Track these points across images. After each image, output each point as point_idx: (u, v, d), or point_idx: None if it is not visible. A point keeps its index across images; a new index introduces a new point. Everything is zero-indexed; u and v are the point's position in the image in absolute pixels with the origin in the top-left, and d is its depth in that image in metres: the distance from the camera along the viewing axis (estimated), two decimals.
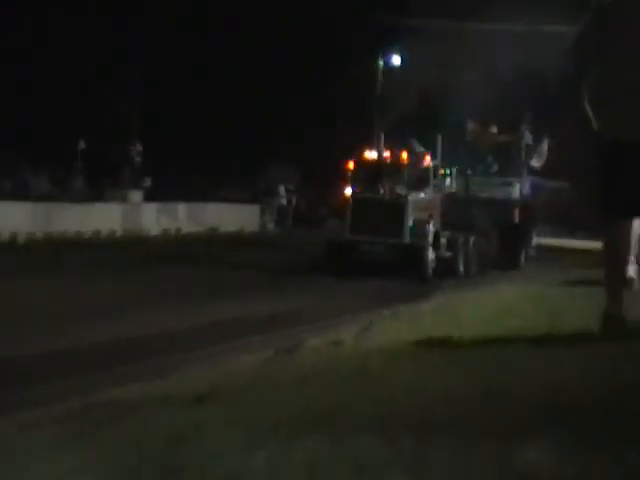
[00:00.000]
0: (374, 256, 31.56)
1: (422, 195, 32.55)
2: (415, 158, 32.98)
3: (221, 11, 62.10)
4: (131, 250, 43.12)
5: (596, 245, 43.55)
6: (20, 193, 47.30)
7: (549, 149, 42.10)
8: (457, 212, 34.43)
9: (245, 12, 61.21)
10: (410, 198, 31.45)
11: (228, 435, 9.35)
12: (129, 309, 25.30)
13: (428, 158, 32.89)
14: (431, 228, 31.35)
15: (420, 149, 35.06)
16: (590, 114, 11.54)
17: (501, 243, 36.80)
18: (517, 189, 40.28)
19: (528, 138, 41.16)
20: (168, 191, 51.30)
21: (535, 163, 41.15)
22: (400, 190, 31.92)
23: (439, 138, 34.97)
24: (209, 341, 20.85)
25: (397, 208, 31.02)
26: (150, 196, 52.12)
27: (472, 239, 34.79)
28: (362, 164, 33.33)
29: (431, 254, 30.96)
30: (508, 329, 19.51)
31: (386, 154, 33.37)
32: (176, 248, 44.16)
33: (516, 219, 38.66)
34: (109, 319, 23.42)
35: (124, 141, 55.27)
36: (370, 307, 24.88)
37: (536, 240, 43.44)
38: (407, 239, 30.85)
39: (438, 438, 8.58)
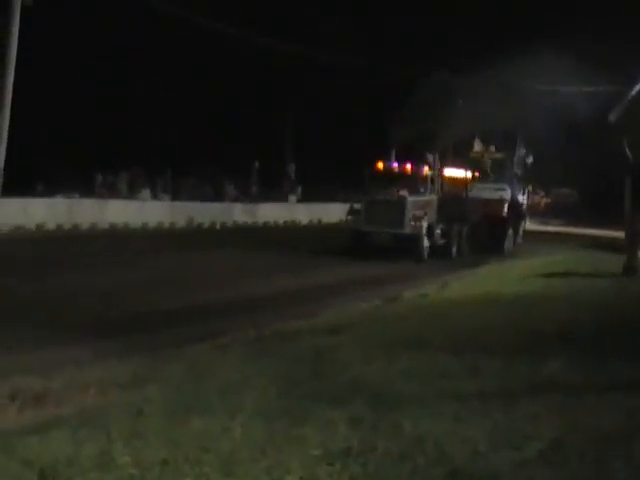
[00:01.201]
0: (383, 242, 38.89)
1: (419, 196, 40.02)
2: (416, 168, 40.97)
3: None
4: (288, 234, 56.32)
5: (593, 232, 58.98)
6: (218, 197, 64.91)
7: (532, 162, 54.88)
8: (456, 209, 42.61)
9: None
10: (409, 199, 38.84)
11: (352, 352, 14.81)
12: (279, 273, 32.04)
13: (426, 168, 41.27)
14: (425, 222, 38.45)
15: (433, 160, 42.64)
16: (628, 152, 20.83)
17: (489, 233, 45.63)
18: (508, 192, 49.63)
19: (522, 152, 52.92)
20: (312, 196, 70.80)
21: (517, 171, 51.77)
22: (403, 192, 39.35)
23: (449, 151, 46.30)
24: (337, 294, 26.42)
25: (399, 206, 38.55)
26: (301, 199, 72.94)
27: (465, 229, 43.14)
28: (377, 172, 41.94)
29: (426, 242, 38.65)
30: (539, 286, 25.29)
31: (395, 164, 41.93)
32: (316, 233, 55.94)
33: (504, 214, 47.57)
34: (266, 279, 30.13)
35: (283, 161, 76.47)
36: (437, 273, 32.67)
37: (521, 232, 53.99)
38: (407, 230, 38.27)
39: (485, 355, 14.02)
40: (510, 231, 49.34)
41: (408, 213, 37.76)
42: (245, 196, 69.40)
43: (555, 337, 15.01)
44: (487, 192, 47.89)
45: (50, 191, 50.61)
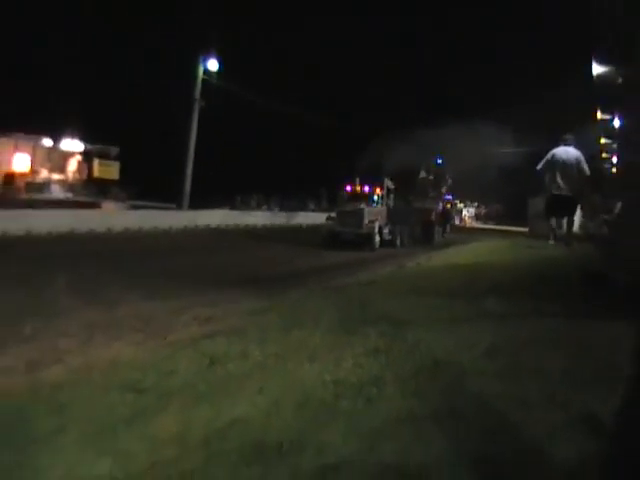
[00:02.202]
0: (348, 238, 40.50)
1: (372, 208, 42.58)
2: (372, 188, 44.28)
3: None
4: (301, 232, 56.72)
5: (511, 228, 64.70)
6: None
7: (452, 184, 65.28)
8: (400, 215, 45.52)
9: None
10: (365, 209, 41.38)
11: (380, 296, 16.46)
12: (306, 258, 33.49)
13: (378, 190, 44.35)
14: (376, 224, 40.86)
15: (389, 184, 46.16)
16: (547, 185, 22.57)
17: (423, 231, 49.28)
18: (440, 205, 57.68)
19: (448, 179, 63.09)
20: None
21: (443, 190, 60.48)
22: (362, 205, 41.94)
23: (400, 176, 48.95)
24: (350, 268, 27.75)
25: (359, 214, 40.98)
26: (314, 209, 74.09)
27: (406, 229, 45.67)
28: (346, 192, 44.96)
29: (377, 237, 40.82)
30: (495, 256, 26.72)
31: (358, 187, 44.79)
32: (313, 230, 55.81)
33: (432, 219, 51.51)
34: (308, 260, 32.07)
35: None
36: (422, 253, 33.60)
37: (448, 229, 60.08)
38: (364, 230, 40.55)
39: (455, 297, 15.54)
40: (440, 229, 55.25)
41: (365, 219, 41.02)
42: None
43: (492, 287, 16.41)
44: (424, 204, 53.11)
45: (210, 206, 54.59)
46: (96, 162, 50.89)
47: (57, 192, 47.39)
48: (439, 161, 63.27)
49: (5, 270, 21.61)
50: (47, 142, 47.64)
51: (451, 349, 11.18)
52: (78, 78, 54.80)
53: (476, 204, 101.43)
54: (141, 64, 57.60)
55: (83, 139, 48.97)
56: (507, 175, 66.53)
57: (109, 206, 45.84)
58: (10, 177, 46.15)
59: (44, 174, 47.85)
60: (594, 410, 7.40)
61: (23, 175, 46.56)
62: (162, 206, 49.92)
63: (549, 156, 23.68)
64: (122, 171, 51.93)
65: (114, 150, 52.04)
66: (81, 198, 46.40)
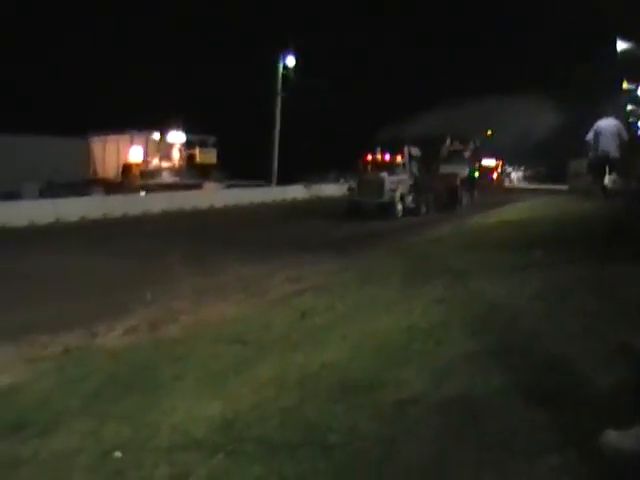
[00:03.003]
0: (369, 208, 34.73)
1: (393, 176, 36.07)
2: (392, 157, 37.68)
3: None
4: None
5: (553, 186, 59.43)
6: None
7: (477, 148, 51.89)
8: (425, 182, 38.68)
9: None
10: (386, 178, 35.43)
11: (444, 251, 16.36)
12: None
13: (399, 158, 37.59)
14: (397, 193, 35.34)
15: (414, 151, 39.43)
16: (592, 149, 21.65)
17: (448, 197, 41.63)
18: (466, 170, 47.15)
19: (473, 145, 50.46)
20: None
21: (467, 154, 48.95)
22: (382, 174, 35.76)
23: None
24: (408, 230, 26.91)
25: (379, 183, 35.25)
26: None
27: (431, 196, 38.93)
28: (366, 161, 38.28)
29: (399, 206, 35.42)
30: (540, 212, 26.05)
31: (379, 156, 38.15)
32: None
33: (456, 185, 43.84)
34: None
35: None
36: (471, 214, 32.37)
37: (475, 193, 49.27)
38: (385, 199, 34.97)
39: (508, 250, 15.39)
40: (467, 193, 46.71)
41: (386, 187, 35.30)
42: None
43: (538, 239, 16.19)
44: (451, 169, 44.88)
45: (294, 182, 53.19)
46: (197, 150, 51.60)
47: (167, 177, 48.26)
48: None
49: (125, 245, 22.03)
50: (156, 135, 48.47)
51: (505, 295, 11.12)
52: (177, 76, 55.04)
53: (523, 167, 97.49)
54: (230, 61, 57.36)
55: (186, 131, 49.71)
56: (548, 140, 59.76)
57: (210, 186, 46.40)
58: (128, 167, 47.18)
59: (155, 163, 48.78)
60: (627, 340, 7.32)
61: (138, 165, 47.54)
62: (254, 184, 50.27)
63: (594, 127, 23.39)
64: (219, 156, 52.59)
65: (212, 139, 52.65)
66: (186, 181, 47.17)
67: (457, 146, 48.38)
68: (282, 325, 9.81)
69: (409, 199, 36.67)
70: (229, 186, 47.90)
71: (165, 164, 49.02)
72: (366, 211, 34.58)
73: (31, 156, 38.15)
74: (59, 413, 6.41)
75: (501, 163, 79.32)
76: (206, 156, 52.02)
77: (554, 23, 56.19)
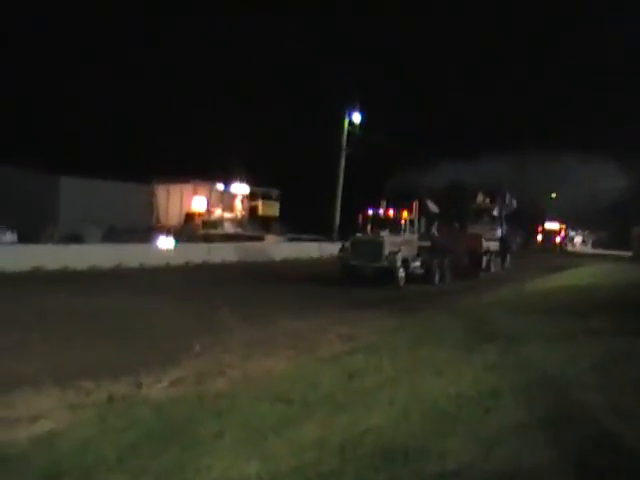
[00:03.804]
0: (365, 274, 29.16)
1: (396, 236, 29.93)
2: (397, 213, 31.00)
3: None
4: None
5: (615, 252, 59.58)
6: None
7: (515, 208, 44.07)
8: (442, 243, 32.91)
9: None
10: (385, 238, 29.37)
11: (497, 315, 16.10)
12: None
13: (405, 213, 30.90)
14: (399, 256, 28.98)
15: (432, 206, 34.95)
16: None
17: (470, 262, 35.77)
18: (499, 231, 41.02)
19: (510, 203, 42.96)
20: None
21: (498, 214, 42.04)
22: (383, 233, 29.84)
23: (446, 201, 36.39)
24: (458, 294, 25.78)
25: (377, 245, 29.15)
26: None
27: (448, 260, 32.54)
28: (367, 217, 31.52)
29: (401, 272, 29.11)
30: (600, 278, 25.44)
31: (381, 211, 31.69)
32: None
33: (481, 247, 37.51)
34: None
35: None
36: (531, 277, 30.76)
37: (508, 259, 42.31)
38: (383, 263, 28.85)
39: (565, 315, 15.11)
40: (497, 259, 40.36)
41: (384, 249, 28.96)
42: None
43: (596, 306, 15.93)
44: (481, 230, 39.38)
45: None
46: (260, 202, 51.96)
47: (228, 228, 48.55)
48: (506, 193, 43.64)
49: (183, 293, 22.04)
50: (220, 186, 48.92)
51: (559, 363, 10.95)
52: (243, 128, 55.55)
53: (586, 231, 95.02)
54: (296, 116, 57.70)
55: (249, 183, 50.14)
56: (613, 205, 57.07)
57: (271, 239, 46.57)
58: (190, 216, 47.62)
59: (218, 213, 49.17)
60: None
61: (200, 214, 47.98)
62: (315, 238, 50.30)
63: None
64: (281, 209, 52.88)
65: (275, 191, 53.00)
66: (248, 232, 47.44)
67: (488, 204, 42.14)
68: (329, 385, 9.61)
69: (416, 264, 30.69)
70: (290, 239, 48.07)
71: (227, 215, 49.39)
72: (361, 277, 29.24)
73: (96, 200, 38.83)
74: (94, 465, 6.31)
75: (564, 227, 78.20)
76: (268, 208, 52.35)
77: (625, 88, 54.64)
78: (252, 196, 51.48)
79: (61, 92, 50.65)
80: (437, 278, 31.25)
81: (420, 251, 31.17)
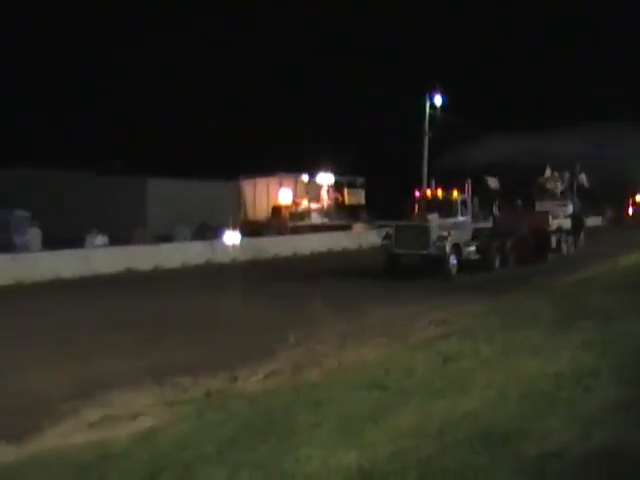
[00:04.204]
0: (412, 263, 26.21)
1: (446, 219, 26.76)
2: (447, 194, 27.86)
3: None
4: None
5: None
6: None
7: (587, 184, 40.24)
8: (504, 225, 29.76)
9: None
10: (432, 222, 26.14)
11: (587, 294, 15.62)
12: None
13: (455, 193, 27.66)
14: (448, 242, 25.57)
15: (493, 183, 32.25)
16: None
17: (536, 243, 31.52)
18: (570, 208, 36.86)
19: (581, 178, 39.20)
20: None
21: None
22: (431, 216, 26.61)
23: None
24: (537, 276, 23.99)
25: (423, 230, 25.91)
26: None
27: (511, 243, 29.21)
28: (415, 199, 28.67)
29: (452, 259, 25.77)
30: None
31: (429, 192, 29.22)
32: None
33: (548, 227, 33.57)
34: None
35: None
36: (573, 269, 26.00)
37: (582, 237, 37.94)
38: (431, 250, 25.52)
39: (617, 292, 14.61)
40: (569, 238, 35.80)
41: (432, 235, 25.70)
42: None
43: None
44: (550, 207, 35.44)
45: None
46: (346, 191, 51.97)
47: (315, 218, 48.68)
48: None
49: (274, 286, 22.12)
50: (305, 177, 49.10)
51: None
52: (324, 117, 55.47)
53: None
54: (377, 102, 57.28)
55: (334, 172, 50.10)
56: None
57: (358, 228, 46.47)
58: (277, 209, 47.88)
59: (304, 204, 49.35)
60: None
61: (287, 206, 48.24)
62: None
63: None
64: (367, 197, 52.73)
65: (360, 180, 52.89)
66: (335, 222, 47.45)
67: (557, 178, 38.38)
68: (424, 370, 9.57)
69: (470, 249, 27.36)
70: (378, 227, 47.93)
71: (314, 205, 49.45)
72: (407, 266, 26.28)
73: (183, 199, 39.31)
74: (194, 459, 6.39)
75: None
76: (354, 197, 52.26)
77: None
78: (337, 185, 51.51)
79: (142, 94, 51.57)
80: (497, 263, 28.24)
81: (476, 234, 28.07)
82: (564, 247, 35.16)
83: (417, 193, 29.11)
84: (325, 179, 50.06)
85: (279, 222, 44.66)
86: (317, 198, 50.19)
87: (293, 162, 46.59)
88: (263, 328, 14.51)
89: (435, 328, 13.50)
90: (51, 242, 25.74)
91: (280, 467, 6.10)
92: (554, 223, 34.36)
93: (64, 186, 37.96)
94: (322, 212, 49.75)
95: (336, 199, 51.55)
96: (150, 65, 55.09)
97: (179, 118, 53.17)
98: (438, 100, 50.66)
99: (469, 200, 28.46)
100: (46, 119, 48.96)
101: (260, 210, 47.90)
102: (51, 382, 10.14)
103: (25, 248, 25.59)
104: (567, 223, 36.22)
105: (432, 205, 27.82)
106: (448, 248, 25.67)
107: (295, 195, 48.57)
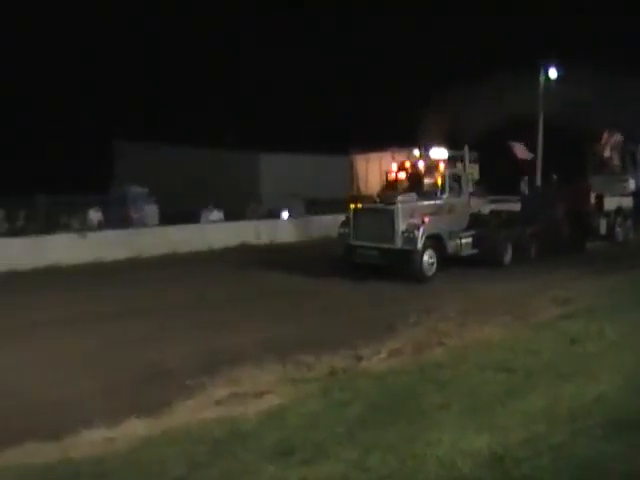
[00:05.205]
0: (371, 259, 19.37)
1: (424, 200, 20.17)
2: (430, 165, 22.32)
3: None
4: None
5: None
6: None
7: None
8: (532, 206, 24.87)
9: None
10: (400, 205, 19.26)
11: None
12: None
13: (442, 165, 21.95)
14: (422, 232, 18.80)
15: (524, 153, 28.60)
16: None
17: (572, 229, 24.10)
18: (631, 183, 28.66)
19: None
20: None
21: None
22: (403, 197, 19.94)
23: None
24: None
25: (387, 215, 19.25)
26: None
27: (528, 232, 22.49)
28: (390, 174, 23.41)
29: (427, 256, 18.94)
30: None
31: (407, 162, 23.24)
32: None
33: (590, 205, 25.89)
34: None
35: None
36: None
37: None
38: (397, 243, 18.90)
39: None
40: (626, 222, 27.71)
41: (399, 222, 19.04)
42: None
43: None
44: (608, 184, 27.10)
45: None
46: (459, 165, 51.43)
47: None
48: None
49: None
50: (416, 152, 48.75)
51: None
52: (439, 92, 54.79)
53: None
54: (490, 74, 56.16)
55: (447, 147, 49.59)
56: None
57: (475, 202, 45.91)
58: (390, 184, 47.89)
59: None
60: None
61: (400, 182, 48.13)
62: (516, 199, 49.10)
63: None
64: (481, 171, 52.02)
65: (473, 154, 52.18)
66: None
67: (617, 144, 29.41)
68: (550, 352, 9.40)
69: (462, 241, 20.52)
70: (492, 201, 47.21)
71: (427, 181, 49.19)
72: (365, 262, 19.57)
73: (296, 174, 39.37)
74: (325, 439, 6.45)
75: None
76: (469, 171, 51.75)
77: None
78: (451, 160, 50.95)
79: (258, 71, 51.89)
80: (507, 257, 21.49)
81: (476, 221, 21.85)
82: (619, 232, 27.55)
83: (393, 166, 23.36)
84: (439, 154, 49.56)
85: (391, 197, 44.48)
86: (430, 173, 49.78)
87: (406, 137, 46.25)
88: (384, 305, 14.56)
89: (557, 307, 13.13)
90: (167, 217, 26.21)
91: (411, 450, 6.09)
92: (610, 202, 27.02)
93: (180, 161, 38.80)
94: (435, 187, 49.36)
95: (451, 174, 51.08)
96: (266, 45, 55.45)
97: (290, 92, 53.27)
98: (553, 72, 49.41)
99: (466, 175, 23.14)
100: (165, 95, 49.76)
101: (372, 185, 47.76)
102: (179, 355, 10.43)
103: (142, 223, 26.10)
104: (628, 202, 28.26)
105: (416, 182, 21.83)
106: (420, 240, 18.99)
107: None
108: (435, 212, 20.02)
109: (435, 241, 19.56)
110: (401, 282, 17.69)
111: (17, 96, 42.21)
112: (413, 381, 8.34)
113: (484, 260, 20.38)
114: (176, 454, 6.42)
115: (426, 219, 19.37)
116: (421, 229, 18.99)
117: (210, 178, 37.13)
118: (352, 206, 20.55)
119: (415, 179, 21.84)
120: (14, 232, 22.00)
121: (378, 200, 20.30)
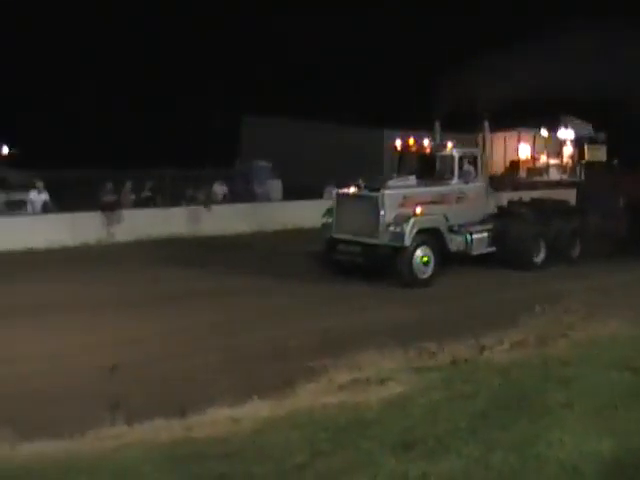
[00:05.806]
0: (352, 257, 16.80)
1: (418, 187, 17.41)
2: (438, 145, 18.48)
3: None
4: None
5: None
6: None
7: None
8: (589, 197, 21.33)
9: None
10: (387, 192, 16.57)
11: None
12: None
13: (450, 145, 17.99)
14: (411, 225, 15.87)
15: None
16: None
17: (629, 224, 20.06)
18: None
19: None
20: None
21: None
22: (391, 181, 17.52)
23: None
24: None
25: (371, 203, 16.52)
26: None
27: (570, 227, 19.24)
28: (397, 152, 19.40)
29: (417, 255, 16.06)
30: None
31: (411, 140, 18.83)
32: None
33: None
34: None
35: None
36: None
37: None
38: (380, 239, 16.16)
39: None
40: None
41: (385, 213, 16.24)
42: None
43: None
44: None
45: None
46: (586, 147, 50.10)
47: (554, 174, 47.34)
48: None
49: None
50: (544, 132, 47.79)
51: None
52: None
53: None
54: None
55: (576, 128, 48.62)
56: None
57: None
58: (515, 164, 47.04)
59: (543, 160, 48.13)
60: None
61: (525, 161, 47.26)
62: None
63: None
64: (609, 153, 50.64)
65: (601, 135, 50.82)
66: (574, 179, 46.01)
67: None
68: None
69: (476, 237, 17.55)
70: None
71: (553, 161, 48.16)
72: (346, 260, 16.98)
73: None
74: (447, 434, 6.42)
75: None
76: (595, 153, 50.25)
77: None
78: (578, 141, 49.79)
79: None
80: (541, 256, 18.49)
81: (502, 213, 19.15)
82: None
83: (397, 142, 19.56)
84: (566, 134, 48.51)
85: (514, 177, 43.88)
86: (557, 154, 48.80)
87: (531, 117, 45.38)
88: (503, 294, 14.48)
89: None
90: (291, 192, 26.29)
91: (533, 450, 6.02)
92: None
93: (306, 137, 38.80)
94: (561, 168, 48.34)
95: (576, 155, 49.95)
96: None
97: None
98: None
99: (479, 157, 19.22)
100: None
101: (497, 165, 47.23)
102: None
103: (266, 198, 26.43)
104: None
105: (421, 163, 18.63)
106: (409, 235, 16.07)
107: (534, 150, 47.49)
108: (437, 201, 17.29)
109: (431, 236, 16.68)
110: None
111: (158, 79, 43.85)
112: (536, 376, 8.23)
113: (505, 260, 17.62)
114: (298, 439, 6.49)
115: (418, 209, 16.49)
116: (410, 221, 16.12)
117: (336, 154, 37.23)
118: (336, 191, 17.87)
119: (425, 160, 18.53)
120: (139, 203, 22.58)
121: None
